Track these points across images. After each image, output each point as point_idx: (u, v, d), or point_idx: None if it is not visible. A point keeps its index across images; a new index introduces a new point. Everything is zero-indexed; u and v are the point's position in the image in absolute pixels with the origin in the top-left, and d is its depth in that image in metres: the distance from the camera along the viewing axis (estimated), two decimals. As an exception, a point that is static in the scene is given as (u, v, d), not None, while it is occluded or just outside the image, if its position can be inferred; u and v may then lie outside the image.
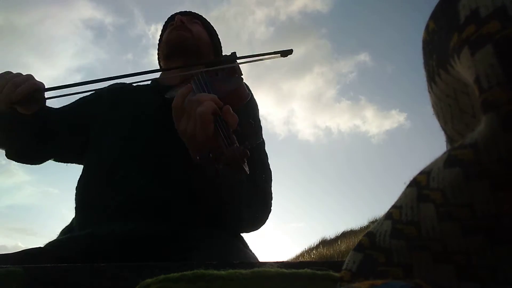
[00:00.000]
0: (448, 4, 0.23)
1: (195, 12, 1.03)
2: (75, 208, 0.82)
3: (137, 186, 0.75)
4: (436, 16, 0.25)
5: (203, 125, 0.62)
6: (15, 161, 0.88)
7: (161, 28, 1.05)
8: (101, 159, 0.82)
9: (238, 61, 0.81)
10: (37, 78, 0.77)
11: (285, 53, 0.83)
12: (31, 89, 0.74)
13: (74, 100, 0.95)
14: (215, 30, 1.04)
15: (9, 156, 0.86)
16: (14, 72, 0.78)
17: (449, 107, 0.25)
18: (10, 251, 0.68)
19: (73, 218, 0.83)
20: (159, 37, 1.04)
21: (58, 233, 0.84)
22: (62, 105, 0.95)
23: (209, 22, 1.03)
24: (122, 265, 0.44)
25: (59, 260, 0.60)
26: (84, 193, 0.81)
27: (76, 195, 0.82)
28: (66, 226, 0.84)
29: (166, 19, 1.04)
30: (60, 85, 0.76)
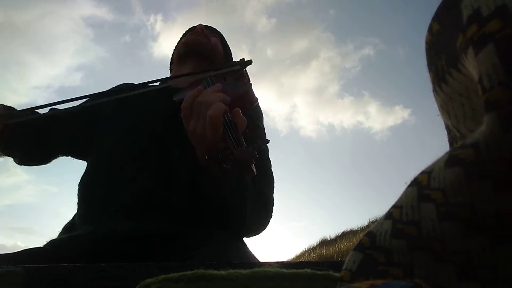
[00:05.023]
0: (451, 5, 0.23)
1: (215, 28, 1.09)
2: (78, 203, 0.83)
3: (139, 185, 0.76)
4: (440, 17, 0.25)
5: (213, 126, 0.62)
6: (25, 165, 0.94)
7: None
8: (106, 156, 0.83)
9: (205, 74, 0.84)
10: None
11: (245, 64, 0.86)
12: None
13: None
14: (230, 49, 1.09)
15: (17, 162, 0.92)
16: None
17: (462, 106, 0.25)
18: (10, 251, 0.69)
19: (75, 214, 0.84)
20: (176, 43, 1.09)
21: (60, 230, 0.85)
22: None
23: (226, 41, 1.09)
24: (122, 265, 0.44)
25: (59, 260, 0.60)
26: (87, 189, 0.82)
27: (79, 191, 0.84)
28: (68, 222, 0.85)
29: (188, 29, 1.08)
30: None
